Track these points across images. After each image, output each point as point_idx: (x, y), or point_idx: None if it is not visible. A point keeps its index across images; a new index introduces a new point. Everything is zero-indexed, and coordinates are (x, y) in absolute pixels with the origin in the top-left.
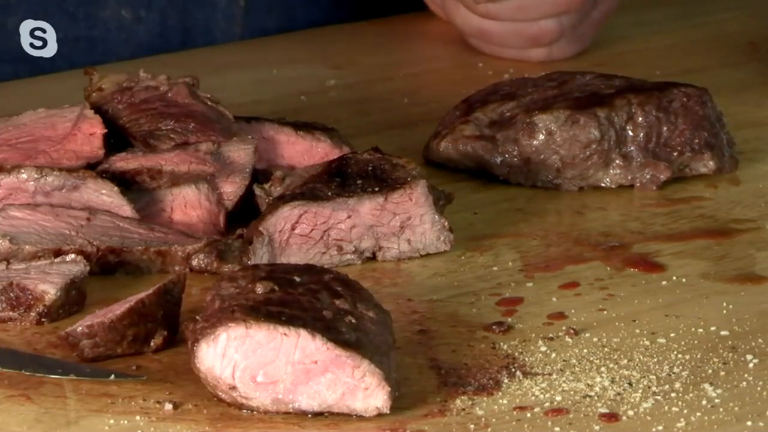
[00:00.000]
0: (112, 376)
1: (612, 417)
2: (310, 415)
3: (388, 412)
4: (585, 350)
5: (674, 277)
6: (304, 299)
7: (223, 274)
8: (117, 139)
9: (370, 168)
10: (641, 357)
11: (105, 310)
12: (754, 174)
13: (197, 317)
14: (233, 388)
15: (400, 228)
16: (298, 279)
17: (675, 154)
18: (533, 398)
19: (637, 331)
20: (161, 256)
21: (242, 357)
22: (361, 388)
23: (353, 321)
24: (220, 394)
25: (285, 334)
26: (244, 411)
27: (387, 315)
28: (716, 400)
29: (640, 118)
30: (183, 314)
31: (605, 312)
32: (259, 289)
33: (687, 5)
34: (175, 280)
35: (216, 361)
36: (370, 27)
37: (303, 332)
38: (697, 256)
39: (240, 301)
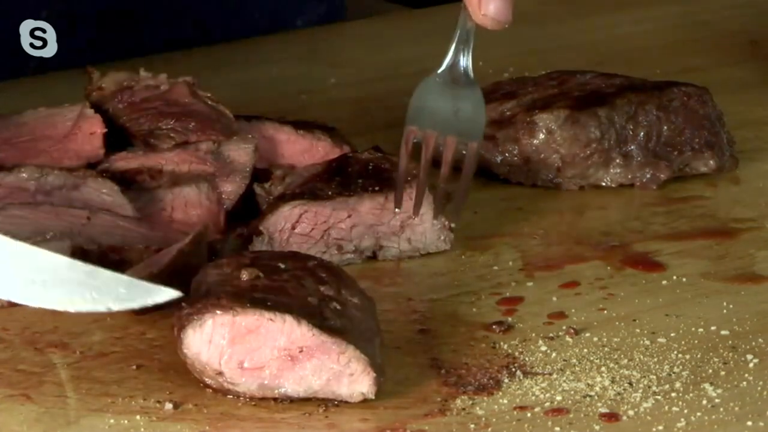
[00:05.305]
0: None
1: (612, 417)
2: (311, 414)
3: (374, 397)
4: (585, 350)
5: (674, 277)
6: (290, 285)
7: (209, 263)
8: (117, 138)
9: (370, 167)
10: (641, 357)
11: (147, 262)
12: (755, 173)
13: (183, 304)
14: (220, 373)
15: (400, 227)
16: (282, 266)
17: (675, 153)
18: (533, 398)
19: (638, 330)
20: None
21: (228, 343)
22: (347, 373)
23: (338, 307)
24: (206, 380)
25: (271, 319)
26: (243, 410)
27: (371, 301)
28: (716, 400)
29: (641, 117)
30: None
31: (605, 311)
32: (244, 275)
33: (687, 5)
34: (203, 230)
35: (203, 347)
36: (370, 26)
37: (289, 318)
38: (697, 255)
39: (226, 288)
